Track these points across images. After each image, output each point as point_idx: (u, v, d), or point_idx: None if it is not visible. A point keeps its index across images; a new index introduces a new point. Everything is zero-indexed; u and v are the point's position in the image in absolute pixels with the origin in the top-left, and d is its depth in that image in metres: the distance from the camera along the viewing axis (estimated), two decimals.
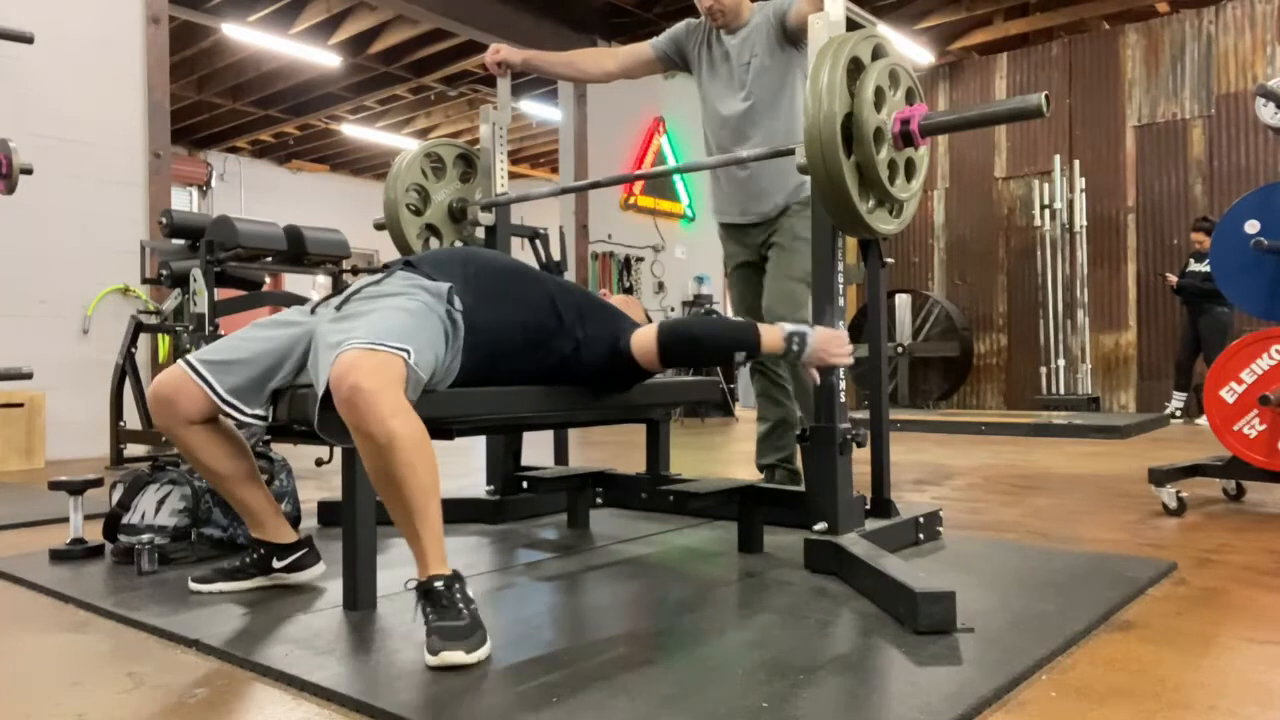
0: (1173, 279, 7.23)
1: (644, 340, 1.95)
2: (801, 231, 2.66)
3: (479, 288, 1.84)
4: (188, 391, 1.75)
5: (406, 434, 1.47)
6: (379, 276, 1.84)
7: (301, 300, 4.17)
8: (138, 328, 4.52)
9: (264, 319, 1.89)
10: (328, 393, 1.53)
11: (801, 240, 2.66)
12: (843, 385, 2.07)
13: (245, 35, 8.15)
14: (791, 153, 2.17)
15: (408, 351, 1.56)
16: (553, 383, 1.99)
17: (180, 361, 1.79)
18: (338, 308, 1.78)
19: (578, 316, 1.96)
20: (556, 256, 3.11)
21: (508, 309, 1.88)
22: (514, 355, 1.89)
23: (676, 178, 9.34)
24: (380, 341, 1.54)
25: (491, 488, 2.72)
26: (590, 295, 2.11)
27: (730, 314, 2.91)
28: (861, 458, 2.17)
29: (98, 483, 2.27)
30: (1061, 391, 8.02)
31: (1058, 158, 8.15)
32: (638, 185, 9.08)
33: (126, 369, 4.49)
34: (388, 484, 1.50)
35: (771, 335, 1.95)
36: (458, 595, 1.50)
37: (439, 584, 1.51)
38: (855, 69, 1.85)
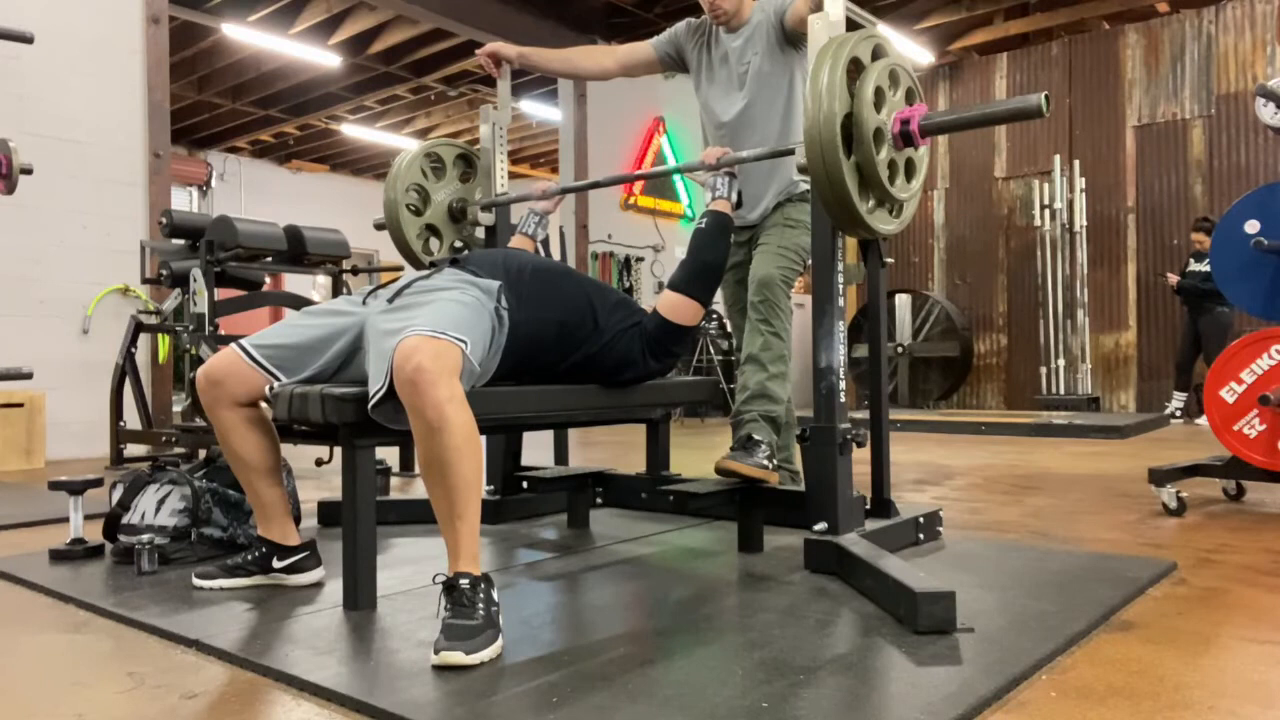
0: (1174, 278, 7.23)
1: (665, 298, 2.12)
2: (791, 213, 2.64)
3: (522, 288, 1.92)
4: (237, 373, 1.83)
5: (459, 421, 1.54)
6: (428, 272, 1.92)
7: (303, 301, 4.19)
8: (138, 328, 4.52)
9: (314, 307, 2.02)
10: (382, 376, 1.61)
11: (790, 220, 2.63)
12: (843, 385, 2.07)
13: (245, 35, 8.15)
14: (791, 153, 2.17)
15: (465, 342, 1.64)
16: (580, 376, 2.06)
17: (233, 345, 1.87)
18: (390, 300, 1.85)
19: (609, 314, 2.06)
20: (556, 256, 3.11)
21: (548, 309, 1.97)
22: (547, 350, 1.98)
23: (676, 178, 9.33)
24: (441, 330, 1.62)
25: (491, 488, 2.72)
26: (619, 292, 2.24)
27: (725, 316, 2.90)
28: (861, 458, 2.17)
29: (98, 483, 2.27)
30: (1061, 391, 8.02)
31: (1058, 158, 8.15)
32: (638, 185, 9.08)
33: (126, 369, 4.49)
34: (433, 469, 1.55)
35: (718, 205, 2.21)
36: (480, 595, 1.51)
37: (464, 582, 1.52)
38: (855, 69, 1.85)
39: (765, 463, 2.30)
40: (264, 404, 1.85)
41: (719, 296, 2.62)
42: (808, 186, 2.60)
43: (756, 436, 2.37)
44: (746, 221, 2.78)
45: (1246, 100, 7.50)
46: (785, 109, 2.64)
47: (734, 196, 2.21)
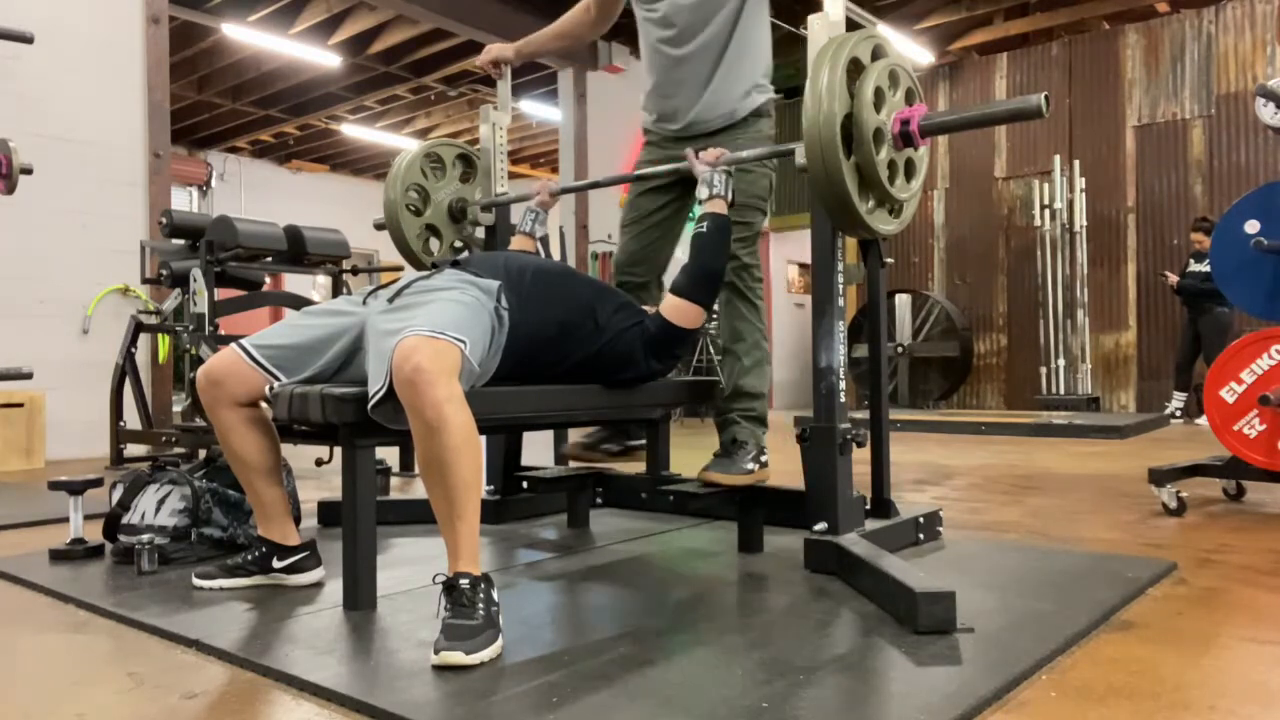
0: (1173, 278, 7.23)
1: (668, 302, 2.12)
2: (743, 144, 2.34)
3: (522, 289, 1.92)
4: (237, 373, 1.83)
5: (458, 421, 1.54)
6: (428, 272, 1.92)
7: (303, 301, 4.19)
8: (138, 328, 4.52)
9: (314, 307, 2.02)
10: (381, 376, 1.61)
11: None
12: (843, 385, 2.07)
13: (245, 35, 8.14)
14: (791, 152, 2.17)
15: (464, 342, 1.64)
16: (581, 376, 2.06)
17: (233, 345, 1.86)
18: (390, 300, 1.84)
19: (610, 314, 2.06)
20: (556, 256, 3.10)
21: (549, 310, 1.96)
22: (548, 350, 1.98)
23: None
24: (440, 330, 1.62)
25: (491, 488, 2.72)
26: (621, 293, 2.24)
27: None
28: (861, 458, 2.17)
29: (98, 483, 2.27)
30: (1061, 391, 8.02)
31: (1058, 158, 8.15)
32: None
33: (126, 369, 4.49)
34: (433, 469, 1.55)
35: (715, 205, 2.16)
36: (480, 595, 1.51)
37: (464, 582, 1.52)
38: (855, 69, 1.85)
39: (750, 466, 2.29)
40: (264, 404, 1.85)
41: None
42: (764, 100, 2.44)
43: (740, 438, 2.35)
44: (675, 139, 2.46)
45: (1246, 100, 7.50)
46: (734, 13, 2.39)
47: (730, 194, 2.20)
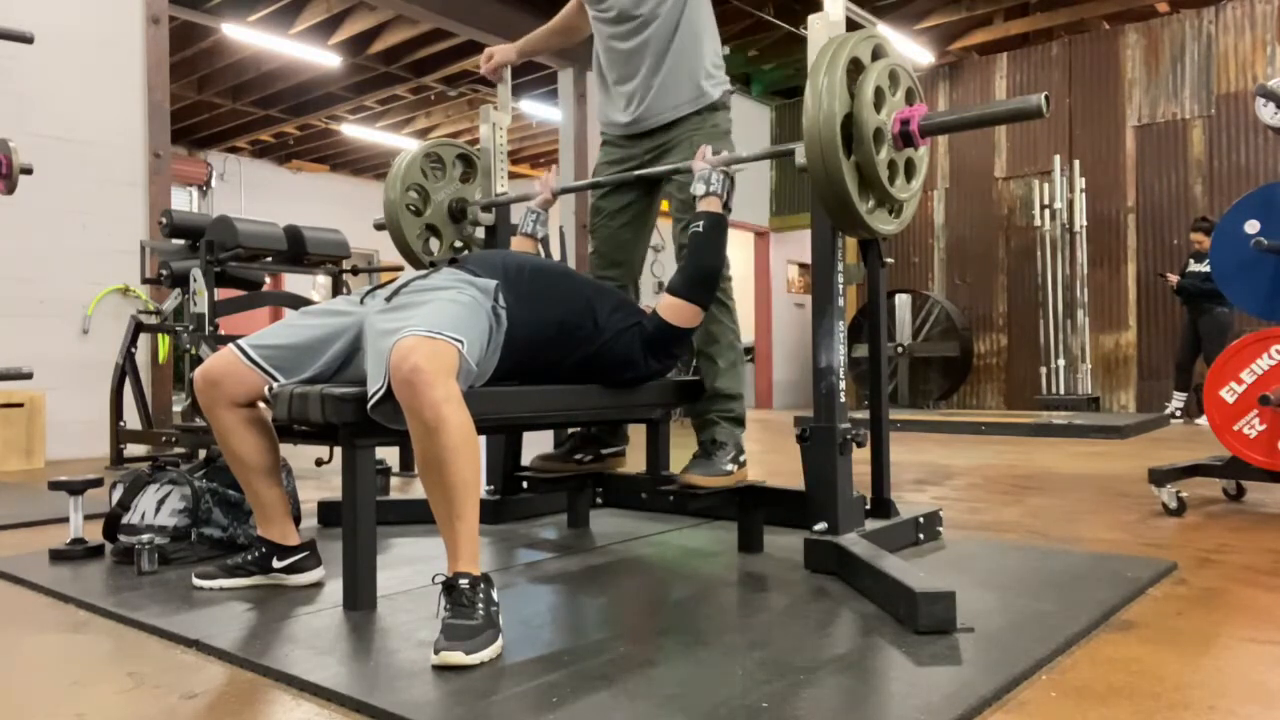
0: (1173, 279, 7.23)
1: (665, 302, 2.11)
2: (699, 140, 2.34)
3: (520, 287, 1.92)
4: (235, 373, 1.83)
5: (456, 421, 1.54)
6: (426, 272, 1.92)
7: (303, 301, 4.19)
8: (138, 328, 4.52)
9: (312, 308, 2.02)
10: (379, 376, 1.61)
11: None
12: (843, 385, 2.07)
13: (245, 35, 8.15)
14: (790, 152, 2.17)
15: (462, 342, 1.64)
16: (581, 376, 2.06)
17: (231, 345, 1.86)
18: (387, 299, 1.84)
19: (609, 314, 2.06)
20: (556, 256, 3.10)
21: (547, 309, 1.96)
22: (547, 350, 1.98)
23: None
24: (438, 330, 1.62)
25: (491, 487, 2.72)
26: (619, 293, 2.24)
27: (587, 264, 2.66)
28: (861, 458, 2.17)
29: (98, 483, 2.27)
30: (1061, 391, 8.02)
31: (1058, 158, 8.15)
32: None
33: (126, 369, 4.49)
34: (431, 469, 1.55)
35: (710, 204, 2.15)
36: (479, 595, 1.51)
37: (463, 582, 1.52)
38: (855, 69, 1.85)
39: (729, 467, 2.29)
40: (262, 404, 1.84)
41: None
42: (720, 93, 2.45)
43: (719, 439, 2.36)
44: (630, 136, 2.48)
45: (1246, 100, 7.50)
46: (680, 3, 2.39)
47: (725, 194, 2.18)
